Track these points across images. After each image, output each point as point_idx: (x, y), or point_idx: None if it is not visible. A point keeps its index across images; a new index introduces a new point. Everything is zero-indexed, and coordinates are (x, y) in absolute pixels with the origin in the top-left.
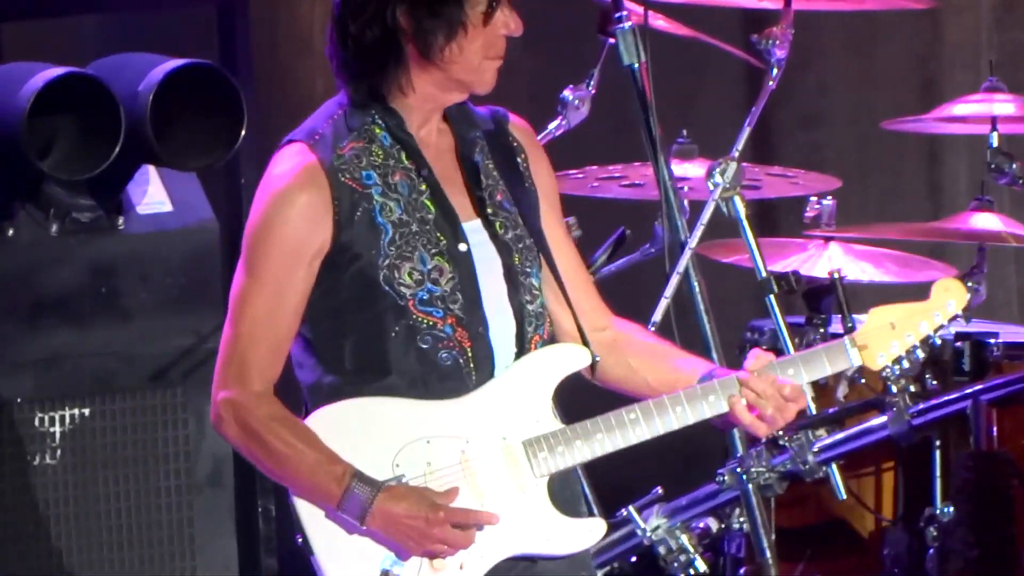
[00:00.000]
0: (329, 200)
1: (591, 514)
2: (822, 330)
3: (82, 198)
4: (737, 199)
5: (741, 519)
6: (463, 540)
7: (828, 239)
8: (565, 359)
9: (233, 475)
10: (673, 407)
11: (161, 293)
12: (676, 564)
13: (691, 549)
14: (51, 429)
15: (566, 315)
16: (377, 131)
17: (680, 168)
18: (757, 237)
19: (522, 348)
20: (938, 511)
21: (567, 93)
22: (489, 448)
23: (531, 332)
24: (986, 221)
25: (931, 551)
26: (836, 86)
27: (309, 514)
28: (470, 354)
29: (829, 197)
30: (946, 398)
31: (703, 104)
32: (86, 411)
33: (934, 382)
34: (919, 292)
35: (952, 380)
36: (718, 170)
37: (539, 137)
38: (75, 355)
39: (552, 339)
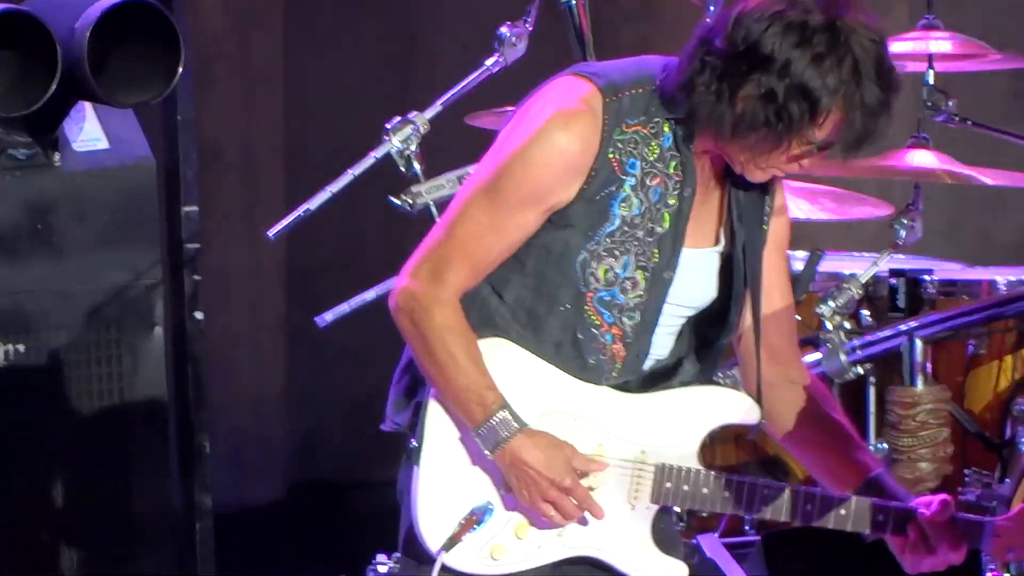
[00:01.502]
0: (590, 165)
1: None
2: None
3: (18, 135)
4: None
5: None
6: (572, 514)
7: None
8: (736, 409)
9: (168, 412)
10: (822, 510)
11: (97, 230)
12: None
13: None
14: None
15: (753, 362)
16: (666, 129)
17: None
18: None
19: (667, 379)
20: (872, 448)
21: (504, 30)
22: (625, 453)
23: (681, 373)
24: (922, 158)
25: None
26: None
27: (435, 428)
28: (619, 367)
29: None
30: (881, 335)
31: (656, 43)
32: (21, 347)
33: (869, 319)
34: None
35: (887, 317)
36: None
37: (476, 74)
38: (10, 292)
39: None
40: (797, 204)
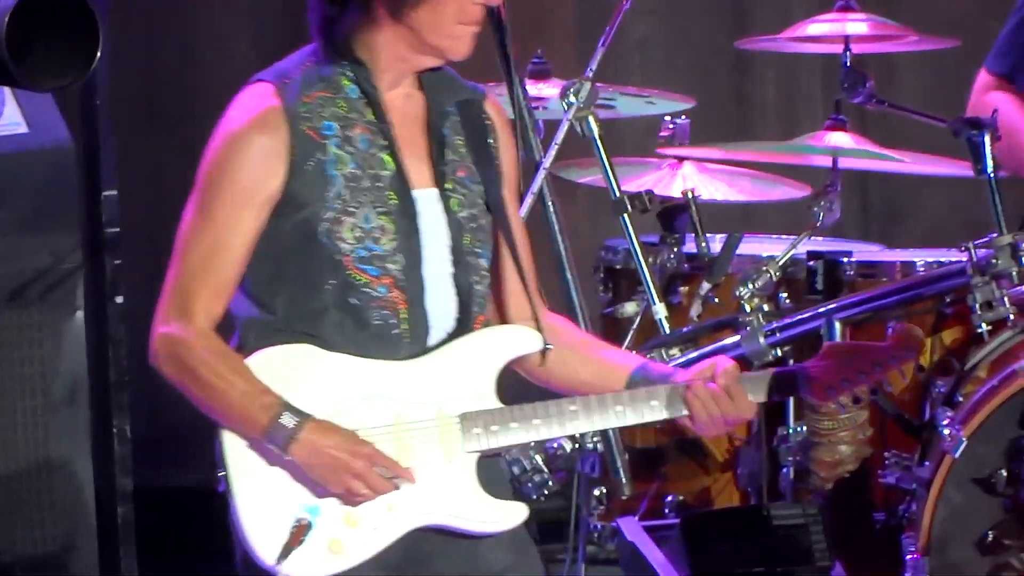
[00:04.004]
0: (286, 147)
1: (515, 497)
2: (676, 249)
3: None
4: (591, 119)
5: (595, 439)
6: (382, 485)
7: (682, 159)
8: (517, 341)
9: (89, 396)
10: (615, 406)
11: (17, 214)
12: (530, 484)
13: (545, 469)
14: None
15: (514, 299)
16: (345, 83)
17: (535, 88)
18: (611, 157)
19: (464, 327)
20: (791, 430)
21: None
22: (424, 415)
23: (476, 312)
24: (840, 140)
25: (784, 470)
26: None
27: (235, 454)
28: (403, 316)
29: (683, 116)
30: (799, 317)
31: (559, 24)
32: None
33: (788, 301)
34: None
35: (806, 299)
36: (572, 90)
37: None
38: None
39: (494, 321)
40: (715, 186)
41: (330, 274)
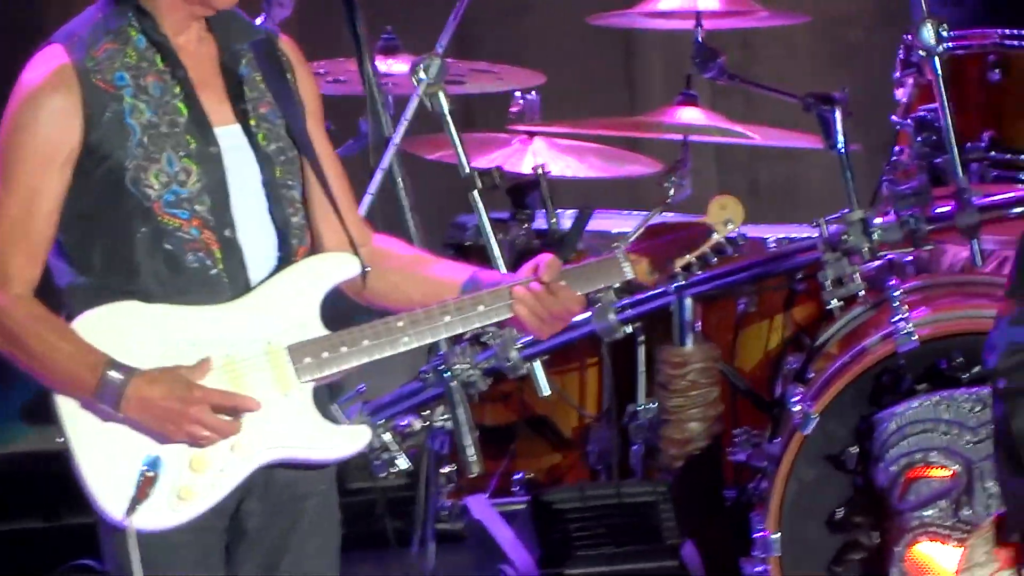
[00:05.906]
0: (79, 102)
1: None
2: (527, 225)
3: None
4: (441, 95)
5: (445, 416)
6: (224, 426)
7: (532, 134)
8: (334, 267)
9: None
10: (442, 317)
11: None
12: (379, 462)
13: (395, 447)
14: None
15: (331, 228)
16: (133, 33)
17: (384, 64)
18: (461, 133)
19: (287, 260)
20: (641, 407)
21: None
22: (253, 352)
23: (296, 244)
24: (691, 115)
25: (635, 447)
26: None
27: (71, 416)
28: (218, 255)
29: (533, 92)
30: (650, 293)
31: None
32: None
33: None
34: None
35: None
36: (422, 66)
37: None
38: None
39: (315, 252)
40: (566, 162)
41: (141, 222)
